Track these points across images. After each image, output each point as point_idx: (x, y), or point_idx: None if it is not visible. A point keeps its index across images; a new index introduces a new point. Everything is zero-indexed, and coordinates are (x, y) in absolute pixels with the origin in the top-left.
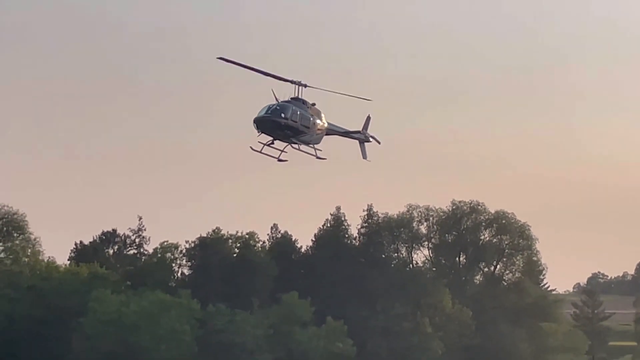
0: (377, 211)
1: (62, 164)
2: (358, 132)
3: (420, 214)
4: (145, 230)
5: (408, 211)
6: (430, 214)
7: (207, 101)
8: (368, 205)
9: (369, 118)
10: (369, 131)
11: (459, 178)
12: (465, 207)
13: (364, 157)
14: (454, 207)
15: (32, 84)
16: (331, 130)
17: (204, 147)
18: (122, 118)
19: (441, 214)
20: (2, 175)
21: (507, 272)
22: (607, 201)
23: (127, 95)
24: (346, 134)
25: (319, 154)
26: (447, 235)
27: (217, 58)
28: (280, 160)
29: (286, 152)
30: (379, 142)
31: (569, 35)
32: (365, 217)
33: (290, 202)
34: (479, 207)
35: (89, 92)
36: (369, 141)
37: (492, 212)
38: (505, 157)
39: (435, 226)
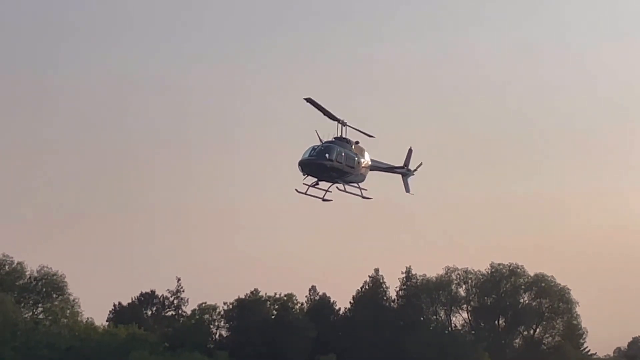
0: (415, 273)
1: (101, 225)
2: (401, 167)
3: (458, 276)
4: (183, 291)
5: (446, 274)
6: (469, 276)
7: (243, 158)
8: (406, 267)
9: (410, 151)
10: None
11: (498, 240)
12: (504, 270)
13: (407, 190)
14: (492, 270)
15: (68, 148)
16: (375, 167)
17: (240, 207)
18: (159, 178)
19: (480, 276)
20: (41, 236)
21: (547, 335)
22: None
23: (162, 153)
24: (390, 169)
25: (364, 193)
26: (486, 298)
27: (304, 99)
28: (324, 200)
29: (330, 192)
30: (420, 164)
31: (626, 93)
32: (404, 279)
33: (328, 263)
34: (518, 270)
35: (124, 151)
36: (412, 175)
37: (532, 275)
38: (545, 219)
39: (474, 289)
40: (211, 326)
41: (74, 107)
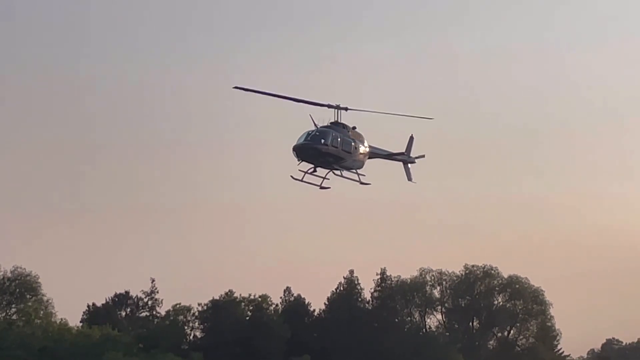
0: (390, 275)
1: (75, 226)
2: (401, 153)
3: (433, 278)
4: (157, 292)
5: (421, 275)
6: (443, 278)
7: (224, 157)
8: (381, 269)
9: (411, 138)
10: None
11: (472, 242)
12: (478, 272)
13: (409, 179)
14: (467, 272)
15: (49, 146)
16: (374, 154)
17: (216, 207)
18: (136, 177)
19: (454, 278)
20: (15, 236)
21: (521, 337)
22: (622, 266)
23: (140, 152)
24: (389, 156)
25: (362, 179)
26: (460, 299)
27: (234, 87)
28: (322, 188)
29: (328, 179)
30: (423, 156)
31: (595, 97)
32: (379, 280)
33: (303, 264)
34: (492, 271)
35: (98, 151)
36: (413, 162)
37: (506, 276)
38: (519, 221)
39: (448, 290)
40: (185, 327)
41: (51, 105)
